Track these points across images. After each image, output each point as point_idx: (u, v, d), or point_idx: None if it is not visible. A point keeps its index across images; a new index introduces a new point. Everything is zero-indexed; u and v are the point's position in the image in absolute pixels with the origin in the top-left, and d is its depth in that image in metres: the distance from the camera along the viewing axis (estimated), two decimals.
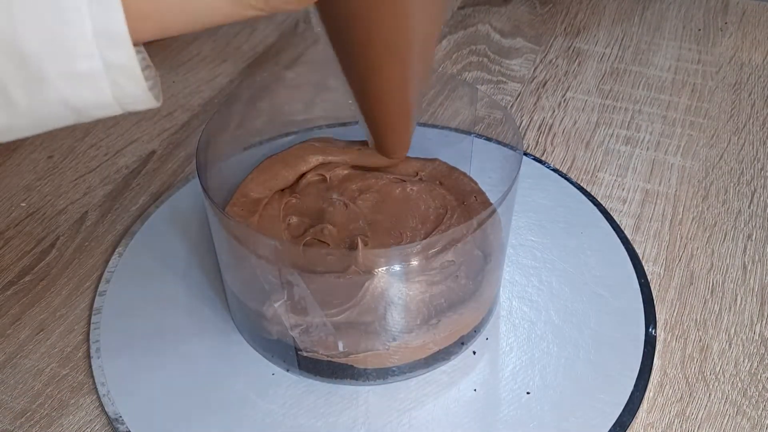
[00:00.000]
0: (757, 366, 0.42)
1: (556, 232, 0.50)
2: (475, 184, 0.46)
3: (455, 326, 0.41)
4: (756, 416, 0.40)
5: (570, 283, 0.46)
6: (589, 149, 0.58)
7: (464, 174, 0.47)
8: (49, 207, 0.53)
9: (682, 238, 0.50)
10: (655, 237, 0.50)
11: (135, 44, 0.24)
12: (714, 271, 0.48)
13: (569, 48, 0.70)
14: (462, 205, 0.44)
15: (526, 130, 0.60)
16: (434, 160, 0.48)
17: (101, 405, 0.40)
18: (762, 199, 0.53)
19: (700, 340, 0.44)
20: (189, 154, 0.58)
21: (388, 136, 0.40)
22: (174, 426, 0.39)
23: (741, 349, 0.43)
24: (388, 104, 0.37)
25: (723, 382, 0.41)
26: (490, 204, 0.45)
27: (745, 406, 0.40)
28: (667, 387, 0.41)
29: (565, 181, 0.54)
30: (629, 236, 0.50)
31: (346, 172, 0.48)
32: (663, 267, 0.48)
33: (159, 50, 0.70)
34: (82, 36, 0.22)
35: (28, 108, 0.23)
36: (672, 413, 0.40)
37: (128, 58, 0.23)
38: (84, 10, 0.21)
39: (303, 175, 0.47)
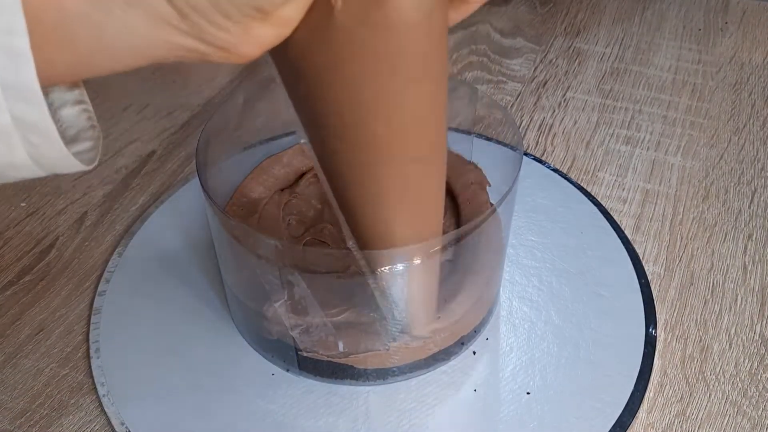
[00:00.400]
0: (758, 366, 0.42)
1: (556, 232, 0.50)
2: (475, 167, 0.46)
3: (455, 326, 0.41)
4: (756, 416, 0.40)
5: (570, 284, 0.46)
6: (590, 149, 0.58)
7: (464, 160, 0.46)
8: (49, 207, 0.53)
9: (682, 238, 0.50)
10: (656, 237, 0.50)
11: (51, 86, 0.22)
12: (714, 271, 0.48)
13: (569, 48, 0.70)
14: (462, 197, 0.44)
15: (526, 130, 0.60)
16: None
17: (101, 405, 0.40)
18: (762, 199, 0.53)
19: (700, 341, 0.43)
20: (189, 154, 0.58)
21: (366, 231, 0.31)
22: (174, 426, 0.39)
23: (741, 349, 0.43)
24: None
25: (723, 383, 0.41)
26: (486, 182, 0.45)
27: (745, 407, 0.40)
28: (668, 387, 0.41)
29: (565, 181, 0.54)
30: (629, 236, 0.49)
31: None
32: (663, 267, 0.48)
33: None
34: None
35: None
36: (672, 413, 0.40)
37: (40, 115, 0.21)
38: None
39: (303, 175, 0.47)
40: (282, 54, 0.25)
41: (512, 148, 0.42)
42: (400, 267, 0.32)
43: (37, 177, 0.23)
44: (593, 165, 0.56)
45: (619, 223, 0.50)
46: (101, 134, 0.25)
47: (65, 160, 0.22)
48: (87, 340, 0.44)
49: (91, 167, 0.24)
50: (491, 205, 0.44)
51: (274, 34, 0.23)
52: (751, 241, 0.50)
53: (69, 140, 0.24)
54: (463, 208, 0.44)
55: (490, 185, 0.45)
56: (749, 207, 0.52)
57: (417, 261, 0.37)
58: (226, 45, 0.22)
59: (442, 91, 0.27)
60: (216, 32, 0.22)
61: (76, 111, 0.24)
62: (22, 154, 0.21)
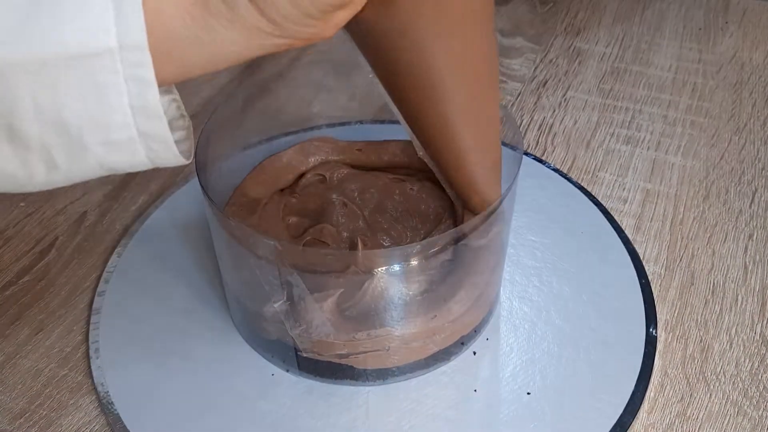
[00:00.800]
0: (758, 366, 0.42)
1: (556, 232, 0.50)
2: None
3: (455, 326, 0.40)
4: (757, 416, 0.40)
5: (570, 283, 0.46)
6: (590, 149, 0.57)
7: None
8: (48, 207, 0.53)
9: (682, 238, 0.50)
10: (656, 237, 0.50)
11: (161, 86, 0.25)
12: (715, 271, 0.48)
13: (570, 47, 0.70)
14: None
15: (527, 129, 0.60)
16: None
17: (100, 405, 0.40)
18: (763, 198, 0.53)
19: (701, 341, 0.43)
20: None
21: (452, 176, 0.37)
22: (173, 426, 0.39)
23: (742, 349, 0.43)
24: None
25: (724, 383, 0.41)
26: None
27: (746, 407, 0.40)
28: (668, 387, 0.41)
29: (566, 181, 0.54)
30: (630, 236, 0.49)
31: (346, 172, 0.47)
32: (664, 267, 0.48)
33: None
34: (120, 110, 0.24)
35: (68, 169, 0.25)
36: (673, 413, 0.40)
37: (162, 129, 0.25)
38: (122, 88, 0.23)
39: (303, 175, 0.47)
40: (362, 29, 0.30)
41: (512, 147, 0.42)
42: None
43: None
44: (593, 165, 0.56)
45: (619, 223, 0.50)
46: (191, 123, 0.28)
47: (174, 158, 0.26)
48: (86, 340, 0.44)
49: (189, 161, 0.28)
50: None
51: (349, 14, 0.26)
52: (752, 241, 0.50)
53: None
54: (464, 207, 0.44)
55: None
56: (750, 207, 0.52)
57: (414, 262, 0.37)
58: (311, 36, 0.26)
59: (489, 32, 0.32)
60: (303, 29, 0.25)
61: (167, 101, 0.27)
62: (143, 158, 0.26)
